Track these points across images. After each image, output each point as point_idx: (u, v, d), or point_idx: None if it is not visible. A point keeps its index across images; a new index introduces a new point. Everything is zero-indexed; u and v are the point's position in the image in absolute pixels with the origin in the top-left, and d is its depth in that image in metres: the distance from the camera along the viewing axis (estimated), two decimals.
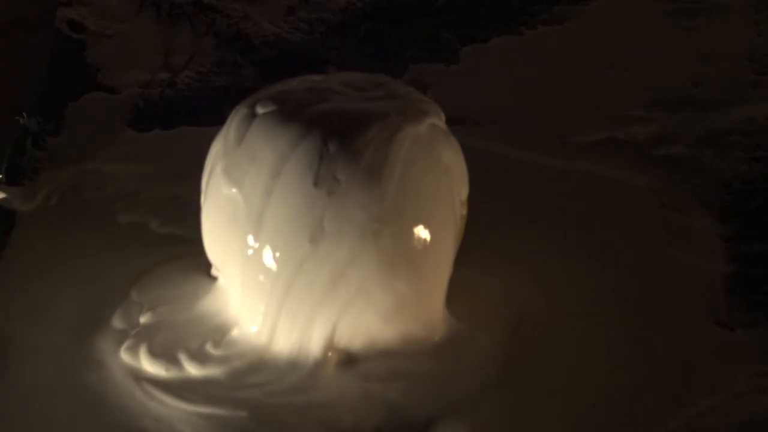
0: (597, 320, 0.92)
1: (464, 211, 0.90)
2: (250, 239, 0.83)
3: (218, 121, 0.90)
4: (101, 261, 0.97)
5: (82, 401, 0.84)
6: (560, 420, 0.83)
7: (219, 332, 0.87)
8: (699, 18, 1.38)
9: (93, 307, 0.92)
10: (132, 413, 0.83)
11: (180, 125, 1.19)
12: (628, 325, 0.91)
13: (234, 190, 0.85)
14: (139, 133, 1.18)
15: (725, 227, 1.03)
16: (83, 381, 0.86)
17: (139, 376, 0.85)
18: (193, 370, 0.85)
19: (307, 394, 0.83)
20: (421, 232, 0.84)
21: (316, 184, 0.82)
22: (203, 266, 0.93)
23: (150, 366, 0.85)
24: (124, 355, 0.87)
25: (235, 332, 0.87)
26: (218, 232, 0.87)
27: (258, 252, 0.83)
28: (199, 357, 0.86)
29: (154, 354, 0.86)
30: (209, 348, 0.86)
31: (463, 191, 0.89)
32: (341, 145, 0.82)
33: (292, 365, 0.84)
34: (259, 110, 0.86)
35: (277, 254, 0.83)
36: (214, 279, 0.92)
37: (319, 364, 0.84)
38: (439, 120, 0.88)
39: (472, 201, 0.91)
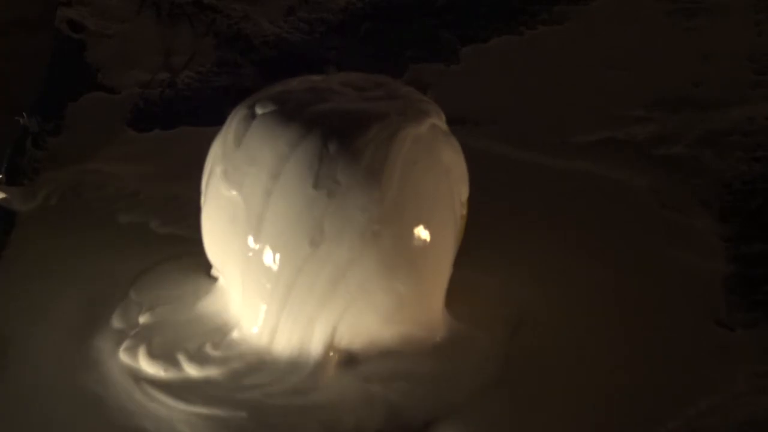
0: (597, 320, 0.92)
1: (464, 212, 0.90)
2: (251, 241, 0.83)
3: (218, 121, 0.90)
4: (101, 261, 0.97)
5: (82, 401, 0.84)
6: (560, 420, 0.83)
7: (219, 333, 0.87)
8: (699, 18, 1.37)
9: (93, 307, 0.92)
10: (131, 413, 0.83)
11: (180, 125, 1.19)
12: (628, 325, 0.91)
13: (234, 192, 0.84)
14: (139, 133, 1.18)
15: (725, 227, 1.03)
16: (83, 381, 0.86)
17: (139, 377, 0.85)
18: (192, 371, 0.85)
19: (308, 395, 0.83)
20: (421, 232, 0.84)
21: (316, 185, 0.81)
22: (203, 266, 0.93)
23: (149, 367, 0.85)
24: (123, 356, 0.87)
25: (235, 333, 0.87)
26: (218, 234, 0.87)
27: (258, 253, 0.83)
28: (199, 358, 0.85)
29: (153, 355, 0.86)
30: (209, 349, 0.86)
31: (463, 191, 0.89)
32: (341, 146, 0.82)
33: (293, 366, 0.84)
34: (259, 111, 0.86)
35: (278, 256, 0.83)
36: (214, 279, 0.92)
37: (320, 365, 0.84)
38: (439, 120, 0.88)
39: (472, 201, 0.90)
